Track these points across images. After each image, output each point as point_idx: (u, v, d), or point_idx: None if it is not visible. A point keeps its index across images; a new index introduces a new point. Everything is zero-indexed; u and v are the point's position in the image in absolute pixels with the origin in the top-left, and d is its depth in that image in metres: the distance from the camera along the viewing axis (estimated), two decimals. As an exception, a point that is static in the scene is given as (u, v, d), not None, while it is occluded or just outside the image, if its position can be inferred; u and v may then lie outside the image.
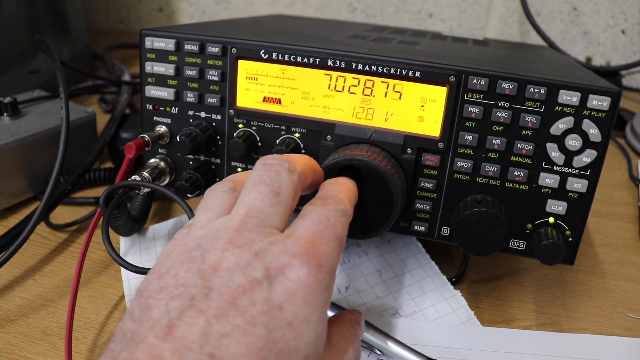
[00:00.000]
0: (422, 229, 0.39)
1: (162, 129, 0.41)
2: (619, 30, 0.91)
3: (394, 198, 0.34)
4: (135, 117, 0.63)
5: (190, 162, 0.42)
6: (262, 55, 0.37)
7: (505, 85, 0.34)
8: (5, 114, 0.54)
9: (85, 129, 0.58)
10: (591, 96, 0.33)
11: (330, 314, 0.39)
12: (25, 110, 0.56)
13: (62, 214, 0.52)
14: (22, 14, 0.72)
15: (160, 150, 0.42)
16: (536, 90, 0.33)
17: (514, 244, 0.38)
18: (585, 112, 0.33)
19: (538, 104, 0.34)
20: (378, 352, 0.37)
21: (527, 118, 0.34)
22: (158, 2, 1.07)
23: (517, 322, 0.42)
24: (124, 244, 0.46)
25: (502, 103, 0.34)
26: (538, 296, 0.45)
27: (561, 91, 0.33)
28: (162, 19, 1.08)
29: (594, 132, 0.34)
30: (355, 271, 0.45)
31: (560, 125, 0.34)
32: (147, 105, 0.41)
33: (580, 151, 0.34)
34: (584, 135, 0.34)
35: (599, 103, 0.33)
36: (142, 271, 0.35)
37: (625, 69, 0.80)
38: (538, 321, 0.43)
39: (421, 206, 0.38)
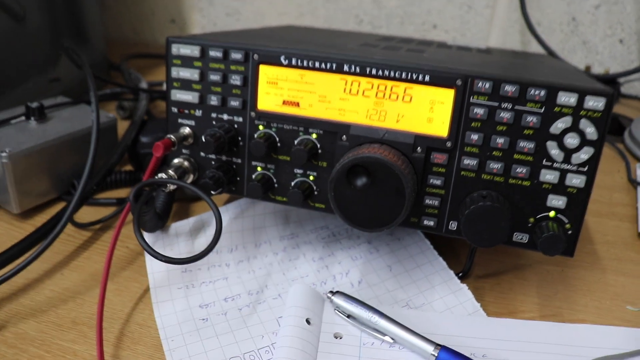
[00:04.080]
0: (431, 223, 0.41)
1: (186, 130, 0.44)
2: (616, 39, 0.94)
3: (406, 193, 0.37)
4: (153, 122, 0.66)
5: (212, 162, 0.44)
6: (283, 60, 0.40)
7: (508, 87, 0.36)
8: (32, 118, 0.57)
9: (107, 133, 0.61)
10: (588, 97, 0.36)
11: (354, 310, 0.40)
12: (50, 115, 0.59)
13: (85, 213, 0.55)
14: (44, 24, 0.75)
15: (184, 151, 0.45)
16: (537, 92, 0.36)
17: (517, 237, 0.40)
18: (582, 112, 0.36)
19: (538, 105, 0.37)
20: (390, 340, 0.39)
21: (528, 118, 0.37)
22: (171, 13, 1.11)
23: (520, 313, 0.45)
24: (147, 240, 0.48)
25: (505, 104, 0.37)
26: (540, 290, 0.47)
27: (560, 93, 0.36)
28: (175, 30, 1.12)
29: (590, 131, 0.36)
30: (367, 267, 0.48)
31: (559, 125, 0.37)
32: (173, 108, 0.44)
33: (578, 149, 0.37)
34: (582, 133, 0.36)
35: (595, 104, 0.36)
36: (169, 260, 0.37)
37: (623, 76, 0.83)
38: (541, 313, 0.45)
39: (430, 202, 0.40)
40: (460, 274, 0.47)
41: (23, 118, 0.57)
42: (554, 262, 0.51)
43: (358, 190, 0.38)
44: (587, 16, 0.93)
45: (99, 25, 0.88)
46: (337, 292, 0.42)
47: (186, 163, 0.44)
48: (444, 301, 0.45)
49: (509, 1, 0.95)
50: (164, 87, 0.80)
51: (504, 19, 0.97)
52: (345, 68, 0.39)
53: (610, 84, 0.93)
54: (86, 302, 0.44)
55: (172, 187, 0.42)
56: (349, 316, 0.41)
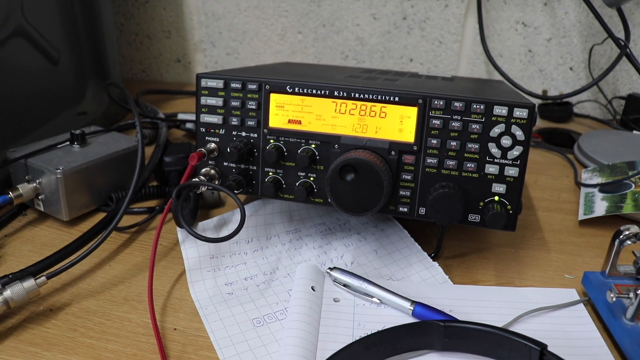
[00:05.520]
0: (405, 209, 0.53)
1: (212, 145, 0.55)
2: (567, 67, 1.09)
3: (384, 185, 0.49)
4: (172, 146, 0.78)
5: (233, 170, 0.56)
6: (288, 89, 0.52)
7: (456, 104, 0.49)
8: (76, 143, 0.68)
9: (136, 155, 0.72)
10: (515, 109, 0.48)
11: (349, 280, 0.52)
12: (89, 140, 0.71)
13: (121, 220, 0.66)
14: (73, 66, 0.87)
15: (210, 162, 0.57)
16: (478, 106, 0.49)
17: (471, 217, 0.52)
18: (512, 120, 0.49)
19: (480, 116, 0.49)
20: (377, 301, 0.50)
21: (473, 126, 0.49)
22: (176, 54, 1.24)
23: (480, 282, 0.56)
24: (180, 235, 0.60)
25: (456, 116, 0.49)
26: (497, 266, 0.59)
27: (495, 106, 0.49)
28: (180, 68, 1.25)
29: (519, 134, 0.49)
30: (357, 251, 0.59)
31: (496, 130, 0.49)
32: (201, 128, 0.56)
33: (511, 147, 0.49)
34: (513, 136, 0.49)
35: (521, 113, 0.48)
36: (208, 239, 0.49)
37: (570, 96, 0.97)
38: (497, 281, 0.56)
39: (403, 193, 0.52)
40: (432, 254, 0.58)
41: (68, 143, 0.69)
42: (509, 245, 0.63)
43: (348, 184, 0.49)
44: (541, 48, 1.08)
45: (117, 65, 1.01)
46: (335, 267, 0.53)
47: (212, 171, 0.56)
48: (420, 275, 0.56)
49: (474, 37, 1.10)
50: (179, 116, 0.93)
51: (470, 51, 1.12)
52: (336, 94, 0.51)
53: (564, 104, 1.07)
54: (133, 285, 0.55)
55: (203, 188, 0.53)
56: (344, 285, 0.52)
